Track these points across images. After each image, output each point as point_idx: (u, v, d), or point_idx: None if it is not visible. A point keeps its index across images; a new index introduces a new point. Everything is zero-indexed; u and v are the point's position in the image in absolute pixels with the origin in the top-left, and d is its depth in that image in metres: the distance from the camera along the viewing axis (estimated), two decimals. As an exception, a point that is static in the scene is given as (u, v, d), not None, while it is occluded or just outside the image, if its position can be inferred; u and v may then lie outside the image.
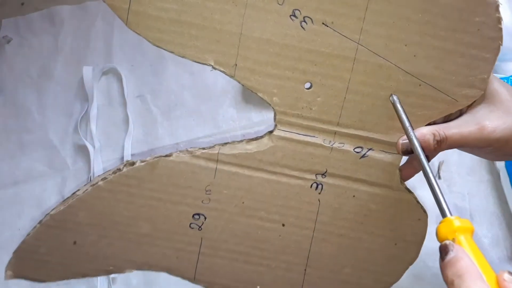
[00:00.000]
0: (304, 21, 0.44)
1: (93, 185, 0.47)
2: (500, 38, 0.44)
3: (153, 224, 0.48)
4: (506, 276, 0.33)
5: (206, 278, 0.50)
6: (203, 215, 0.48)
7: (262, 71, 0.45)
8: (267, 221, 0.49)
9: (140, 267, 0.50)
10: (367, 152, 0.47)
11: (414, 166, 0.48)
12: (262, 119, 0.75)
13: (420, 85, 0.45)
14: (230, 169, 0.47)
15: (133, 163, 0.47)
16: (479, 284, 0.32)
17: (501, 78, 0.70)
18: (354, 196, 0.48)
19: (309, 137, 0.47)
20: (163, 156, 0.47)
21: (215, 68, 0.45)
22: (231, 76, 0.45)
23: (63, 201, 0.48)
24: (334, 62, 0.45)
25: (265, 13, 0.44)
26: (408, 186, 0.49)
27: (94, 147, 0.74)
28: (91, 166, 0.73)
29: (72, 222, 0.48)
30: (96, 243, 0.49)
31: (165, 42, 0.44)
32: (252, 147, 0.47)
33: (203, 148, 0.47)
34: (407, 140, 0.45)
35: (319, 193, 0.48)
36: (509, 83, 0.71)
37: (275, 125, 0.47)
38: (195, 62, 0.45)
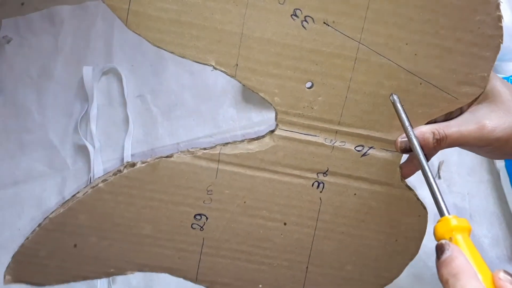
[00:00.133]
0: (305, 21, 0.44)
1: (93, 187, 0.47)
2: (501, 36, 0.44)
3: (155, 225, 0.48)
4: (501, 275, 0.33)
5: (208, 278, 0.50)
6: (204, 215, 0.48)
7: (263, 71, 0.45)
8: (269, 220, 0.49)
9: (142, 268, 0.50)
10: (368, 150, 0.48)
11: (414, 164, 0.48)
12: (262, 119, 0.75)
13: (420, 83, 0.45)
14: (231, 169, 0.47)
15: (133, 164, 0.47)
16: (473, 283, 0.32)
17: (501, 78, 0.70)
18: (355, 194, 0.49)
19: (310, 136, 0.47)
20: (164, 157, 0.47)
21: (216, 68, 0.45)
22: (232, 76, 0.45)
23: (62, 203, 0.47)
24: (335, 62, 0.45)
25: (266, 13, 0.44)
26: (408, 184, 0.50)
27: (94, 147, 0.74)
28: (91, 166, 0.73)
29: (72, 225, 0.48)
30: (96, 246, 0.48)
31: (166, 43, 0.44)
32: (253, 146, 0.47)
33: (204, 149, 0.47)
34: (406, 139, 0.45)
35: (321, 192, 0.48)
36: (510, 82, 0.71)
37: (277, 125, 0.47)
38: (196, 62, 0.45)
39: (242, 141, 0.48)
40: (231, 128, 0.76)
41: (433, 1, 0.43)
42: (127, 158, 0.74)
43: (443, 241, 0.36)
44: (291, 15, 0.44)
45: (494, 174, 0.74)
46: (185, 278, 0.50)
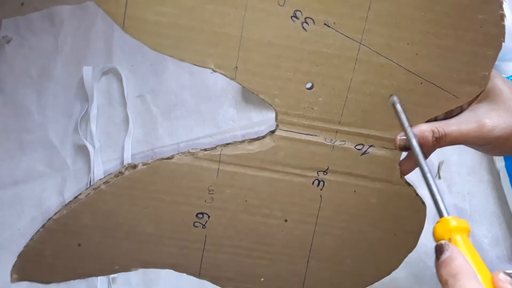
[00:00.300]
0: (306, 22, 0.44)
1: (96, 188, 0.47)
2: (503, 35, 0.44)
3: (157, 224, 0.49)
4: (501, 276, 0.33)
5: (211, 273, 0.51)
6: (206, 214, 0.49)
7: (263, 73, 0.45)
8: (270, 218, 0.49)
9: (146, 265, 0.51)
10: (368, 149, 0.48)
11: (413, 161, 0.49)
12: (262, 119, 0.75)
13: (421, 83, 0.45)
14: (232, 169, 0.48)
15: (135, 166, 0.47)
16: (473, 284, 0.32)
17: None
18: (355, 191, 0.49)
19: (310, 136, 0.47)
20: (165, 159, 0.47)
21: (215, 71, 0.45)
22: (232, 79, 0.45)
23: (65, 205, 0.48)
24: (336, 63, 0.45)
25: (266, 15, 0.43)
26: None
27: (94, 147, 0.74)
28: (91, 166, 0.73)
29: (75, 225, 0.48)
30: (100, 245, 0.49)
31: (164, 47, 0.44)
32: (254, 147, 0.48)
33: (205, 149, 0.47)
34: (405, 137, 0.45)
35: (321, 190, 0.49)
36: (510, 82, 0.71)
37: (277, 125, 0.47)
38: (195, 65, 0.45)
39: (243, 141, 0.48)
40: (231, 128, 0.76)
41: (436, 1, 0.43)
42: (127, 158, 0.74)
43: (442, 242, 0.36)
44: (291, 16, 0.44)
45: (494, 174, 0.74)
46: (188, 273, 0.51)
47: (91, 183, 0.72)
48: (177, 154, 0.47)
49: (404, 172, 0.49)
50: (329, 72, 0.45)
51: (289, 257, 0.51)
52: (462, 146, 0.74)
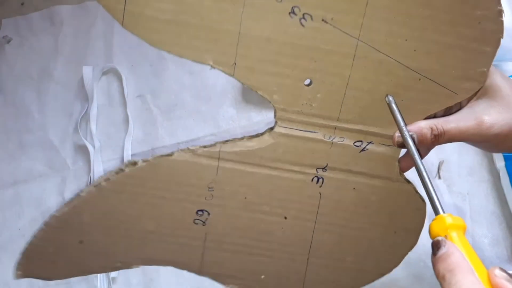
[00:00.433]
0: (304, 18, 0.44)
1: (96, 186, 0.47)
2: (501, 31, 0.44)
3: (158, 221, 0.49)
4: (497, 271, 0.33)
5: (212, 270, 0.51)
6: (206, 211, 0.49)
7: (262, 69, 0.45)
8: (269, 215, 0.49)
9: (147, 262, 0.51)
10: (367, 145, 0.48)
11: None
12: (262, 119, 0.76)
13: (420, 79, 0.45)
14: (232, 166, 0.47)
15: (135, 163, 0.47)
16: (470, 278, 0.32)
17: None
18: (354, 188, 0.49)
19: (309, 132, 0.47)
20: (165, 156, 0.47)
21: (214, 67, 0.45)
22: (231, 75, 0.45)
23: (66, 202, 0.48)
24: (334, 59, 0.45)
25: (264, 11, 0.43)
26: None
27: (94, 147, 0.74)
28: (91, 166, 0.73)
29: (77, 222, 0.48)
30: (102, 242, 0.49)
31: (163, 43, 0.44)
32: (253, 144, 0.47)
33: (204, 146, 0.47)
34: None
35: (320, 187, 0.49)
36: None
37: (276, 122, 0.47)
38: (194, 61, 0.45)
39: (242, 138, 0.48)
40: (231, 128, 0.76)
41: None
42: (127, 158, 0.74)
43: (439, 238, 0.36)
44: (289, 13, 0.43)
45: (494, 174, 0.74)
46: (189, 270, 0.51)
47: (91, 183, 0.72)
48: (177, 151, 0.47)
49: (403, 169, 0.49)
50: (327, 69, 0.45)
51: (289, 254, 0.51)
52: (462, 146, 0.75)
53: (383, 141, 0.48)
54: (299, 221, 0.49)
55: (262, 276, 0.51)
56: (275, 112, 0.47)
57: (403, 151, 0.48)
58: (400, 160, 0.48)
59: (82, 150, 0.75)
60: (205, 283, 0.69)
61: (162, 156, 0.47)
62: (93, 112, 0.75)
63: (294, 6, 0.43)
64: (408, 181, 0.49)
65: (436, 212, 0.39)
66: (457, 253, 0.34)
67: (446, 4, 0.43)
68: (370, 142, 0.48)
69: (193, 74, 0.78)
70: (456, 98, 0.46)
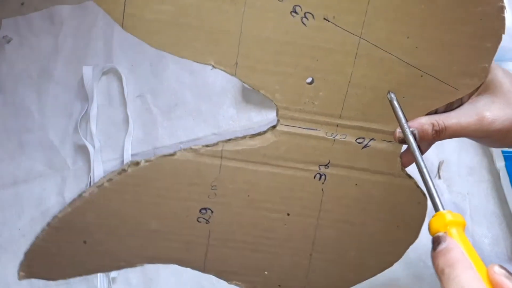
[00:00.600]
0: (305, 17, 0.44)
1: (99, 186, 0.47)
2: (503, 27, 0.44)
3: (161, 220, 0.49)
4: (496, 268, 0.33)
5: (216, 267, 0.51)
6: (210, 209, 0.49)
7: (263, 68, 0.45)
8: (272, 212, 0.49)
9: (151, 261, 0.51)
10: (369, 142, 0.48)
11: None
12: (262, 119, 0.75)
13: (421, 76, 0.45)
14: (234, 164, 0.48)
15: (137, 163, 0.47)
16: (469, 273, 0.32)
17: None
18: (356, 184, 0.49)
19: (311, 130, 0.47)
20: (167, 155, 0.47)
21: (215, 67, 0.45)
22: (232, 75, 0.45)
23: (69, 203, 0.48)
24: (336, 57, 0.45)
25: (265, 11, 0.43)
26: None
27: (94, 147, 0.74)
28: (91, 166, 0.73)
29: (80, 223, 0.48)
30: (105, 242, 0.49)
31: (164, 45, 0.44)
32: (255, 142, 0.48)
33: (207, 146, 0.47)
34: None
35: (323, 183, 0.49)
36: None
37: (278, 120, 0.47)
38: (196, 62, 0.45)
39: (244, 137, 0.48)
40: (231, 128, 0.76)
41: None
42: (127, 158, 0.74)
43: (440, 234, 0.36)
44: (291, 12, 0.43)
45: (494, 174, 0.74)
46: (193, 268, 0.51)
47: (91, 183, 0.72)
48: (179, 150, 0.47)
49: (404, 164, 0.49)
50: (329, 67, 0.45)
51: (293, 250, 0.51)
52: (462, 146, 0.75)
53: (385, 138, 0.48)
54: (302, 218, 0.50)
55: (266, 272, 0.52)
56: (277, 111, 0.47)
57: (404, 147, 0.49)
58: (401, 156, 0.49)
59: (82, 150, 0.75)
60: (205, 283, 0.70)
61: (164, 156, 0.47)
62: (93, 112, 0.75)
63: (296, 6, 0.43)
64: (410, 176, 0.49)
65: (436, 208, 0.40)
66: (457, 248, 0.34)
67: (448, 1, 0.43)
68: (372, 139, 0.48)
69: (193, 74, 0.78)
70: (457, 94, 0.46)
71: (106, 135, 0.76)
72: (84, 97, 0.76)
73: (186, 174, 0.48)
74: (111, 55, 0.79)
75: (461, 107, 0.46)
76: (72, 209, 0.48)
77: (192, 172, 0.47)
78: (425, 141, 0.46)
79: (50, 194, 0.73)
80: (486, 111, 0.44)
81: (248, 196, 0.49)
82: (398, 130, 0.46)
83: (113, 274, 0.69)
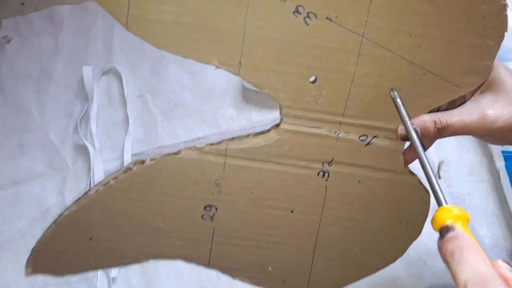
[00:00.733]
0: (308, 17, 0.44)
1: (105, 184, 0.48)
2: (505, 25, 0.44)
3: (166, 218, 0.49)
4: (500, 263, 0.33)
5: (220, 264, 0.52)
6: (214, 206, 0.49)
7: (267, 68, 0.45)
8: (276, 209, 0.49)
9: (156, 257, 0.51)
10: (371, 140, 0.48)
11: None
12: (262, 119, 0.76)
13: (424, 74, 0.46)
14: (239, 163, 0.48)
15: (142, 162, 0.48)
16: (479, 257, 0.32)
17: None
18: (359, 181, 0.49)
19: (315, 128, 0.48)
20: (172, 154, 0.48)
21: (219, 67, 0.45)
22: (236, 74, 0.45)
23: (75, 201, 0.48)
24: (339, 56, 0.45)
25: (268, 11, 0.44)
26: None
27: (94, 147, 0.74)
28: (91, 166, 0.73)
29: (85, 221, 0.48)
30: (110, 239, 0.49)
31: (168, 45, 0.44)
32: (259, 141, 0.48)
33: (211, 144, 0.48)
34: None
35: (326, 181, 0.49)
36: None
37: (281, 119, 0.47)
38: (199, 62, 0.45)
39: (248, 135, 0.48)
40: (231, 128, 0.76)
41: None
42: (127, 158, 0.74)
43: (448, 223, 0.36)
44: (293, 12, 0.44)
45: (494, 174, 0.75)
46: (198, 264, 0.52)
47: (91, 183, 0.72)
48: (184, 149, 0.47)
49: (407, 161, 0.49)
50: (332, 66, 0.45)
51: (296, 247, 0.51)
52: (462, 146, 0.75)
53: (387, 135, 0.48)
54: (306, 215, 0.50)
55: (270, 268, 0.52)
56: (280, 109, 0.47)
57: (407, 144, 0.49)
58: (404, 153, 0.49)
59: (82, 150, 0.75)
60: (205, 282, 0.70)
61: (169, 154, 0.47)
62: (93, 112, 0.75)
63: (299, 5, 0.44)
64: (413, 173, 0.50)
65: (439, 203, 0.40)
66: (466, 235, 0.35)
67: (449, 0, 0.43)
68: (375, 136, 0.48)
69: (193, 74, 0.78)
70: (460, 92, 0.46)
71: (106, 135, 0.76)
72: (84, 97, 0.76)
73: (190, 172, 0.48)
74: (111, 55, 0.79)
75: (464, 105, 0.47)
76: (78, 207, 0.48)
77: (196, 171, 0.48)
78: (427, 139, 0.46)
79: (50, 194, 0.73)
80: (489, 109, 0.45)
81: (252, 193, 0.49)
82: (401, 127, 0.46)
83: (113, 274, 0.69)
